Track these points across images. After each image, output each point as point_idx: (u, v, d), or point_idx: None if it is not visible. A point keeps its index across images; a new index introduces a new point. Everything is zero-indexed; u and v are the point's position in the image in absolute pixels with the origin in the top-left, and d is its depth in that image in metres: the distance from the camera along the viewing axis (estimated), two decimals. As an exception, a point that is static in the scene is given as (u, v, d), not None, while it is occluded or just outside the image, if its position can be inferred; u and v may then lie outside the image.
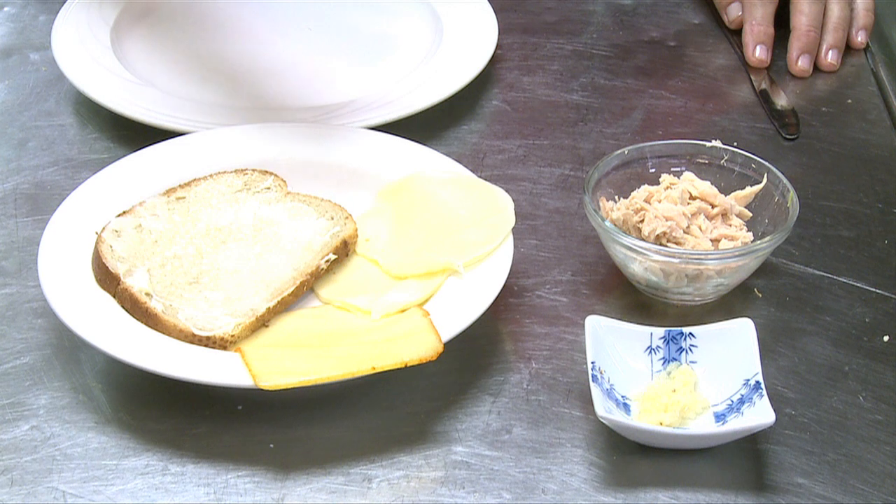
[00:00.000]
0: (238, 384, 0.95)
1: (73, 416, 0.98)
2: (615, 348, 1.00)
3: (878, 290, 1.10)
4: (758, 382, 0.97)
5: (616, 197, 1.11)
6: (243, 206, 1.10)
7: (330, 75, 1.32)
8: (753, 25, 1.36)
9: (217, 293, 1.02)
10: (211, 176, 1.13)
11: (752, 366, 0.98)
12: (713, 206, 1.09)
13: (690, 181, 1.10)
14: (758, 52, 1.36)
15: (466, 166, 1.14)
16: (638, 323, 1.01)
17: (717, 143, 1.13)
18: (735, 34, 1.40)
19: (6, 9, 1.45)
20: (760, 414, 0.94)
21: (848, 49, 1.38)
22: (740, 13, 1.39)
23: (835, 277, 1.11)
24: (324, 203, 1.11)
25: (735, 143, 1.17)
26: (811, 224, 1.16)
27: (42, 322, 1.05)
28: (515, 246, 1.06)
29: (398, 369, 0.95)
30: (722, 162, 1.13)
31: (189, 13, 1.40)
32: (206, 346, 0.98)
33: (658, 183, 1.11)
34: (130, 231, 1.06)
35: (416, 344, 0.97)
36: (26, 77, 1.34)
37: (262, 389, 0.94)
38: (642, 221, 1.07)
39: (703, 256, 1.04)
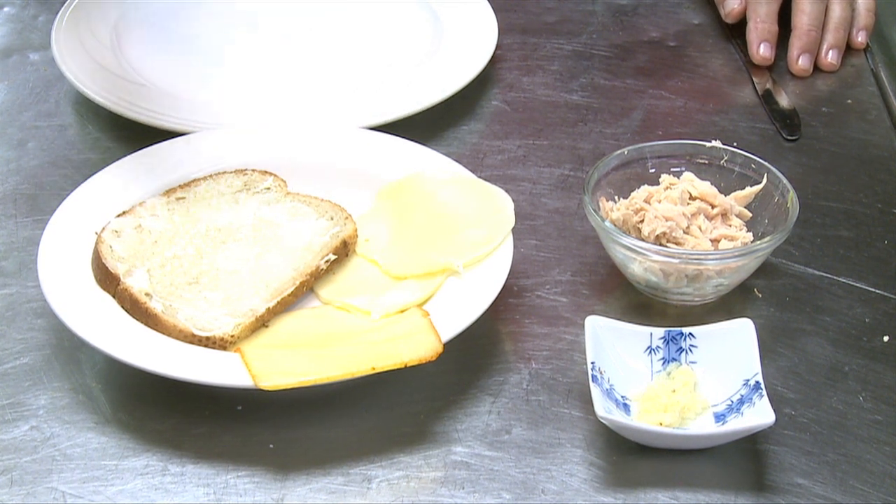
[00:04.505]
0: (238, 384, 0.95)
1: (72, 416, 0.98)
2: (615, 348, 1.00)
3: (877, 291, 1.10)
4: (757, 383, 0.97)
5: (616, 197, 1.11)
6: (243, 207, 1.10)
7: (330, 75, 1.32)
8: (757, 23, 1.36)
9: (217, 293, 1.02)
10: (211, 176, 1.13)
11: (751, 366, 0.98)
12: (713, 207, 1.09)
13: (690, 181, 1.10)
14: (762, 50, 1.35)
15: (466, 166, 1.14)
16: (638, 323, 1.01)
17: (716, 144, 1.13)
18: (736, 34, 1.40)
19: (6, 9, 1.45)
20: (760, 414, 0.94)
21: (848, 49, 1.38)
22: (735, 6, 1.39)
23: (835, 278, 1.11)
24: (324, 203, 1.11)
25: (735, 144, 1.16)
26: (811, 224, 1.16)
27: (42, 322, 1.05)
28: (515, 246, 1.06)
29: (398, 369, 0.95)
30: (722, 162, 1.13)
31: (189, 14, 1.40)
32: (205, 346, 0.98)
33: (658, 183, 1.11)
34: (130, 231, 1.06)
35: (415, 344, 0.97)
36: (26, 77, 1.34)
37: (261, 389, 0.94)
38: (642, 222, 1.07)
39: (702, 257, 1.04)
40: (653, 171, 1.12)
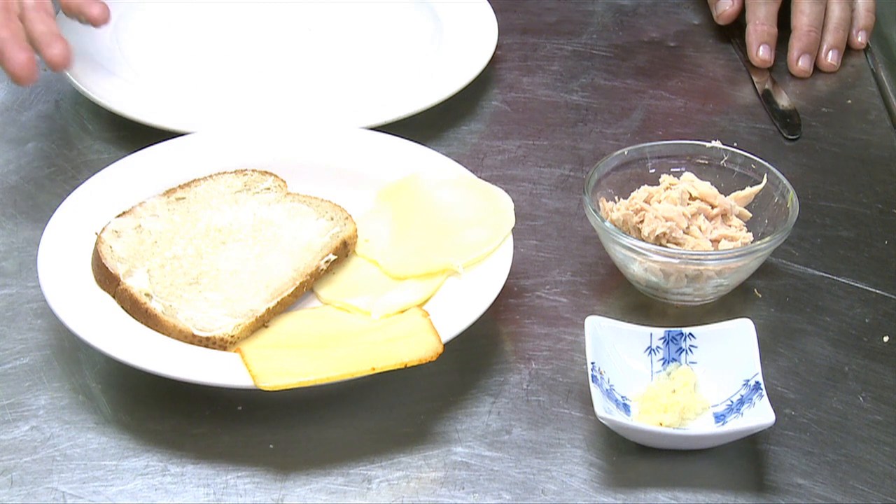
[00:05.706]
0: (238, 384, 0.95)
1: (72, 416, 0.98)
2: (615, 349, 1.00)
3: (878, 291, 1.10)
4: (757, 383, 0.97)
5: (616, 197, 1.11)
6: (243, 207, 1.10)
7: (330, 75, 1.32)
8: (757, 25, 1.36)
9: (217, 294, 1.02)
10: (211, 176, 1.13)
11: (751, 366, 0.98)
12: (713, 207, 1.09)
13: (690, 182, 1.10)
14: (761, 52, 1.35)
15: (466, 166, 1.14)
16: (638, 323, 1.01)
17: (716, 144, 1.13)
18: (736, 35, 1.40)
19: (6, 9, 1.45)
20: (760, 414, 0.94)
21: (848, 50, 1.38)
22: (727, 8, 1.39)
23: (835, 278, 1.11)
24: (323, 203, 1.11)
25: (735, 144, 1.17)
26: (811, 224, 1.16)
27: (42, 323, 1.05)
28: (515, 246, 1.06)
29: (398, 370, 0.95)
30: (722, 162, 1.13)
31: (189, 14, 1.40)
32: (205, 346, 0.98)
33: (658, 183, 1.11)
34: (130, 232, 1.06)
35: (415, 344, 0.97)
36: (26, 77, 1.34)
37: (261, 390, 0.94)
38: (642, 222, 1.07)
39: (702, 257, 1.04)
40: (653, 171, 1.12)
